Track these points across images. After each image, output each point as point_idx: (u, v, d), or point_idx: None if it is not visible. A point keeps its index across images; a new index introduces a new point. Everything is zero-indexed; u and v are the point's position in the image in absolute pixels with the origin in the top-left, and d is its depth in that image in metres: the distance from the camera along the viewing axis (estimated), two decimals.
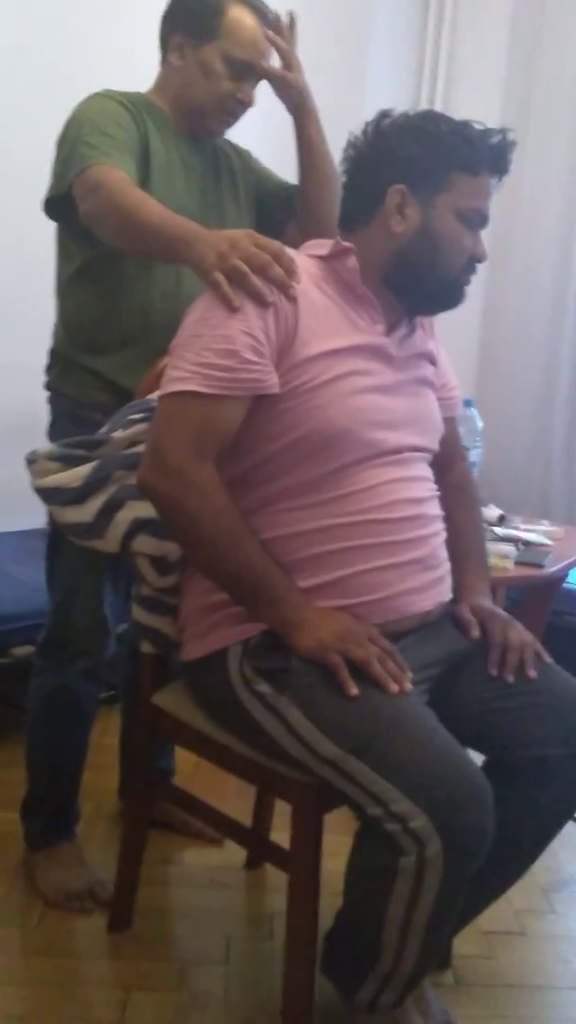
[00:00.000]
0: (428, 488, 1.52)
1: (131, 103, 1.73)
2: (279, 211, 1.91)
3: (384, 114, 1.49)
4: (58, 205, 1.70)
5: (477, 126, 1.45)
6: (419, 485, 1.49)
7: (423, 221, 1.44)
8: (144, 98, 1.79)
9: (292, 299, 1.39)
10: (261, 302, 1.36)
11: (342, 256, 1.47)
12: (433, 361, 1.60)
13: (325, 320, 1.42)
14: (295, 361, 1.38)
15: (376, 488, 1.42)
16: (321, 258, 1.48)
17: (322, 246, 1.50)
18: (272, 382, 1.37)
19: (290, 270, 1.39)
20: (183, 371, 1.36)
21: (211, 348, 1.35)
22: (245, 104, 1.78)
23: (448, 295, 1.51)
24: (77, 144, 1.64)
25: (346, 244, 1.47)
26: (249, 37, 1.73)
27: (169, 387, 1.37)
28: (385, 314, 1.49)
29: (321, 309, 1.43)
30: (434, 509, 1.52)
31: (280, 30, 1.78)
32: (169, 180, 1.75)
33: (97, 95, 1.73)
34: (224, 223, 1.80)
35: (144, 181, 1.69)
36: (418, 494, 1.48)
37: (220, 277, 1.38)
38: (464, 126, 1.44)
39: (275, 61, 1.79)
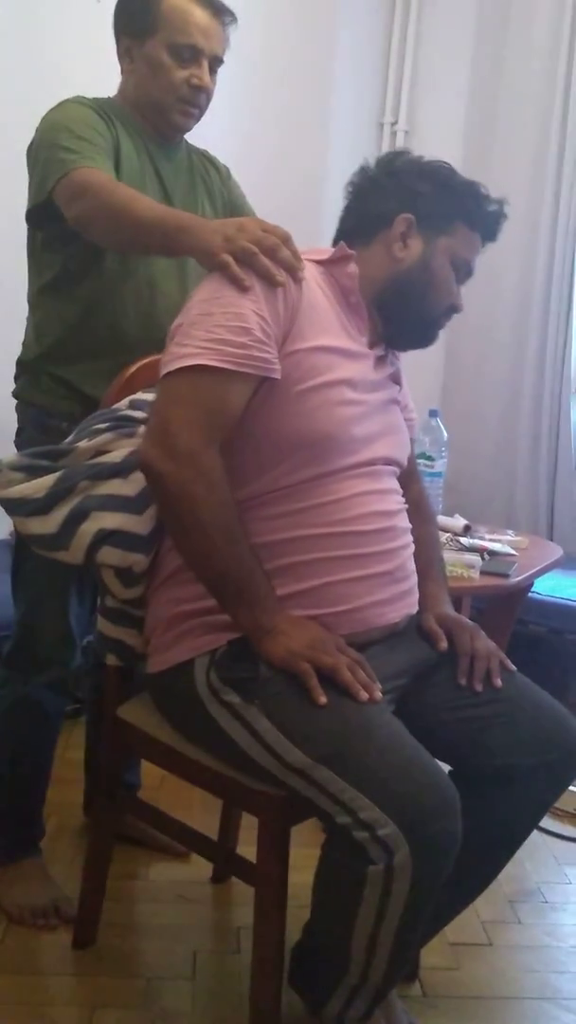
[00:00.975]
0: (398, 501, 1.53)
1: (101, 109, 1.73)
2: None
3: (399, 153, 1.56)
4: (39, 213, 1.68)
5: (482, 189, 1.52)
6: (390, 498, 1.50)
7: (424, 255, 1.50)
8: (113, 103, 1.78)
9: (299, 281, 1.40)
10: (272, 281, 1.36)
11: (342, 262, 1.50)
12: (399, 382, 1.62)
13: (322, 315, 1.44)
14: (290, 349, 1.39)
15: (350, 499, 1.42)
16: (319, 263, 1.50)
17: (322, 252, 1.52)
18: (278, 366, 1.36)
19: (297, 254, 1.40)
20: (193, 347, 1.33)
21: (223, 325, 1.34)
22: (200, 89, 1.75)
23: (424, 333, 1.57)
24: (54, 150, 1.63)
25: (349, 251, 1.50)
26: (188, 20, 1.71)
27: (177, 363, 1.34)
28: (369, 329, 1.52)
29: (319, 304, 1.44)
30: (403, 522, 1.53)
31: None
32: (140, 187, 1.73)
33: (69, 102, 1.72)
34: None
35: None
36: (389, 507, 1.49)
37: (228, 258, 1.37)
38: (473, 184, 1.52)
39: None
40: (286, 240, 1.40)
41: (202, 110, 1.80)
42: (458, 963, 1.81)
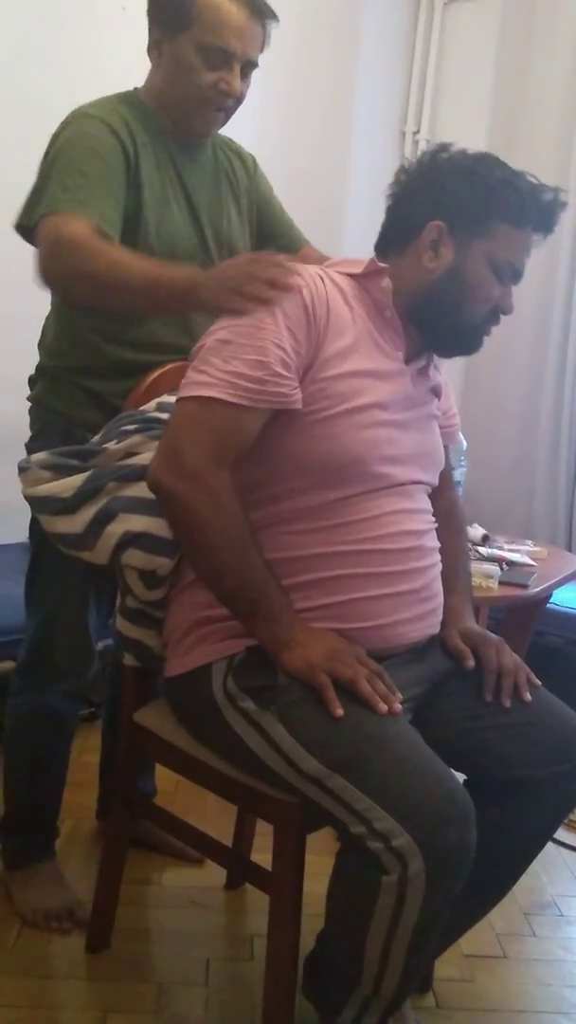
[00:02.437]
0: (427, 520, 1.52)
1: (123, 119, 1.65)
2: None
3: (442, 147, 1.48)
4: (24, 234, 1.64)
5: (531, 179, 1.44)
6: (420, 517, 1.49)
7: (455, 263, 1.45)
8: (137, 102, 1.70)
9: (291, 289, 1.36)
10: (268, 304, 1.35)
11: (375, 276, 1.47)
12: (439, 394, 1.60)
13: (352, 337, 1.42)
14: (318, 375, 1.37)
15: (379, 518, 1.42)
16: (352, 276, 1.48)
17: (355, 264, 1.49)
18: (296, 397, 1.36)
19: (291, 270, 1.39)
20: (209, 376, 1.34)
21: (240, 357, 1.33)
22: (228, 94, 1.65)
23: (466, 340, 1.52)
24: (49, 180, 1.58)
25: (381, 264, 1.47)
26: (222, 20, 1.60)
27: (192, 390, 1.35)
28: (406, 343, 1.49)
29: (348, 326, 1.42)
30: (432, 541, 1.51)
31: None
32: (164, 207, 1.69)
33: (87, 115, 1.64)
34: (229, 229, 1.76)
35: (136, 213, 1.63)
36: (418, 526, 1.48)
37: (234, 303, 1.36)
38: (516, 177, 1.43)
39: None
40: (277, 264, 1.39)
41: (229, 115, 1.72)
42: (472, 975, 1.80)
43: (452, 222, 1.44)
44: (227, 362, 1.34)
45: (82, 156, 1.58)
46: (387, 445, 1.43)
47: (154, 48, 1.68)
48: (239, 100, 1.70)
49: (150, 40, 1.69)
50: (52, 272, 1.55)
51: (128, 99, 1.71)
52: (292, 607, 1.37)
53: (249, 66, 1.68)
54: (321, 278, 1.43)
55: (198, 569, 1.42)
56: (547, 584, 2.28)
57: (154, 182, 1.68)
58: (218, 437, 1.33)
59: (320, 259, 1.86)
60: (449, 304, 1.46)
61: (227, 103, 1.69)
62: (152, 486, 1.37)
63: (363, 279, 1.48)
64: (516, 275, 1.49)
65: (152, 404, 1.61)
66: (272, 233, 1.90)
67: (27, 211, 1.62)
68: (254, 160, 1.90)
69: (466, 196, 1.43)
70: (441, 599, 1.53)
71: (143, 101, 1.72)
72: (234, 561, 1.34)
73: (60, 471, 1.53)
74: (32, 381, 1.83)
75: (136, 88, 1.74)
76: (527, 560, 2.37)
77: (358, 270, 1.48)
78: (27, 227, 1.62)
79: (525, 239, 1.47)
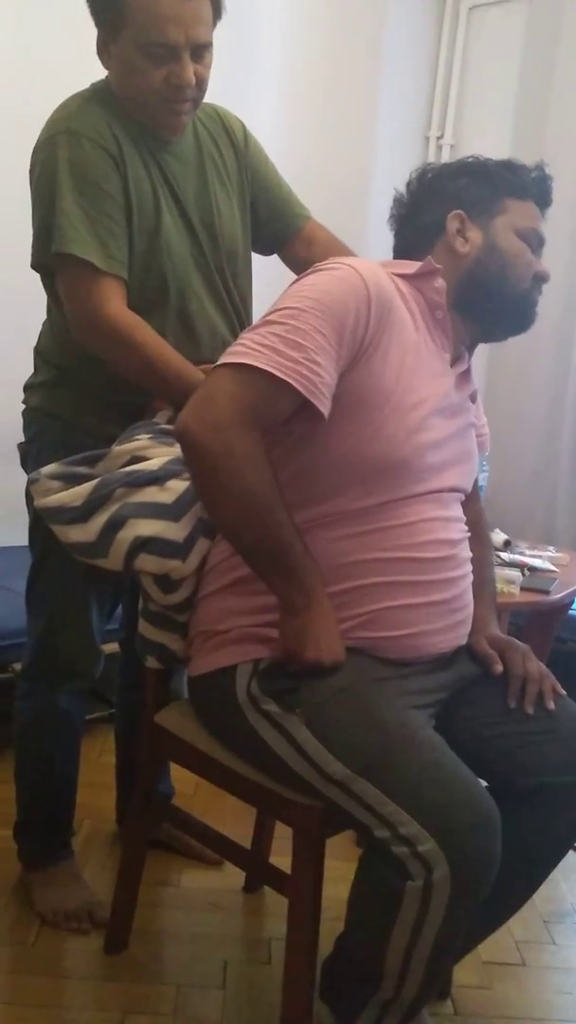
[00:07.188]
0: (462, 530, 1.51)
1: (109, 128, 1.58)
2: (267, 241, 1.85)
3: (426, 168, 1.56)
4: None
5: (516, 162, 1.53)
6: (455, 526, 1.48)
7: (486, 240, 1.49)
8: (115, 100, 1.61)
9: None
10: None
11: (429, 276, 1.48)
12: (474, 399, 1.60)
13: (410, 334, 1.42)
14: (373, 367, 1.36)
15: (416, 525, 1.41)
16: (405, 277, 1.48)
17: (407, 266, 1.50)
18: (322, 396, 1.31)
19: None
20: (244, 348, 1.32)
21: (280, 335, 1.31)
22: (181, 88, 1.54)
23: (519, 313, 1.53)
24: (55, 212, 1.54)
25: (436, 265, 1.47)
26: (155, 12, 1.48)
27: (227, 358, 1.32)
28: (453, 344, 1.50)
29: (408, 322, 1.43)
30: (465, 551, 1.51)
31: None
32: (155, 216, 1.63)
33: (76, 133, 1.56)
34: (220, 223, 1.71)
35: (128, 225, 1.59)
36: (453, 535, 1.47)
37: None
38: (506, 161, 1.53)
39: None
40: None
41: (195, 103, 1.61)
42: (491, 982, 1.79)
43: (468, 209, 1.50)
44: (264, 338, 1.32)
45: (81, 187, 1.55)
46: (431, 450, 1.42)
47: (103, 51, 1.59)
48: (201, 86, 1.59)
49: (97, 42, 1.59)
50: (86, 341, 1.61)
51: (103, 98, 1.62)
52: (316, 572, 1.34)
53: (200, 48, 1.55)
54: (387, 276, 1.42)
55: (219, 523, 1.39)
56: (569, 590, 2.27)
57: (144, 191, 1.62)
58: (254, 399, 1.30)
59: (328, 237, 1.87)
60: (494, 278, 1.49)
61: (186, 95, 1.57)
62: (178, 434, 1.33)
63: (416, 280, 1.48)
64: (541, 241, 1.54)
65: (164, 416, 1.62)
66: (268, 216, 1.83)
67: (37, 249, 1.62)
68: (243, 127, 1.80)
69: (471, 184, 1.51)
70: (471, 610, 1.52)
71: (117, 96, 1.62)
72: (260, 514, 1.30)
73: (69, 480, 1.53)
74: (29, 387, 1.80)
75: (106, 80, 1.64)
76: (549, 566, 2.36)
77: (411, 271, 1.48)
78: (43, 264, 1.63)
79: (533, 210, 1.53)
